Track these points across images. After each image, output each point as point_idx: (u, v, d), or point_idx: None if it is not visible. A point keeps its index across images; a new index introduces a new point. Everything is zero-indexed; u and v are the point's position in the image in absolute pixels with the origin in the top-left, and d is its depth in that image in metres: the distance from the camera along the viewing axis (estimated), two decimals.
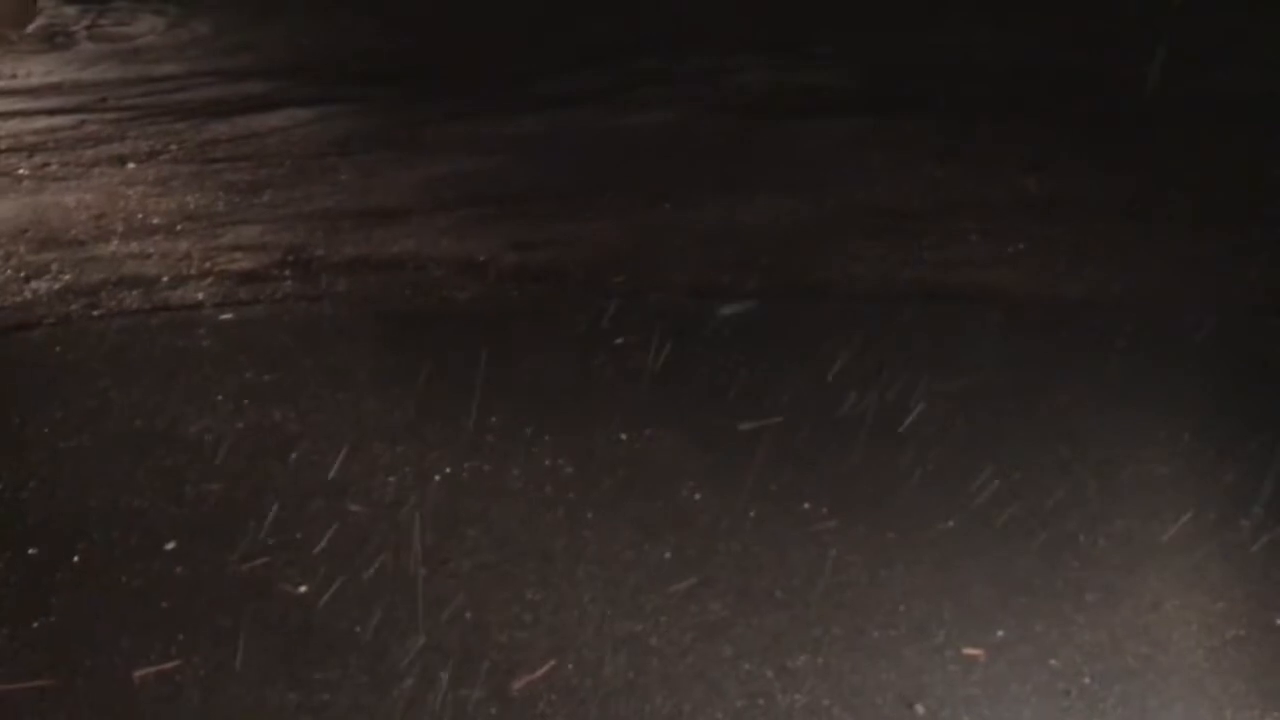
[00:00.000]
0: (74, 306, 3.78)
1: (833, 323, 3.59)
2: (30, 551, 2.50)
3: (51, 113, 6.10)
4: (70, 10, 8.04)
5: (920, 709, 2.08)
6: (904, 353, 3.32)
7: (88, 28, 7.83)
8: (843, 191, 4.72)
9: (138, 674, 2.13)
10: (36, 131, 5.76)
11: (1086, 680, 2.15)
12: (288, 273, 4.04)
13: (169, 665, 2.15)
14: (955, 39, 7.10)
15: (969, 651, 2.21)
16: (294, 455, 2.87)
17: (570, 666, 2.18)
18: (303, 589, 2.38)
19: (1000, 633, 2.26)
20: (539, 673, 2.15)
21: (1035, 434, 2.90)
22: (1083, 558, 2.48)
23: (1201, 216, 4.32)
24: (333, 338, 3.55)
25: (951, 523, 2.60)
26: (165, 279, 3.99)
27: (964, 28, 7.30)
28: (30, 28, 7.80)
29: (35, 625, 2.28)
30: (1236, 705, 2.08)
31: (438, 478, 2.77)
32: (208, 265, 4.11)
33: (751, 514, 2.64)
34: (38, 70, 7.07)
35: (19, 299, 3.84)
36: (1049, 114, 5.64)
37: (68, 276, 4.02)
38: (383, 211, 4.65)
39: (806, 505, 2.67)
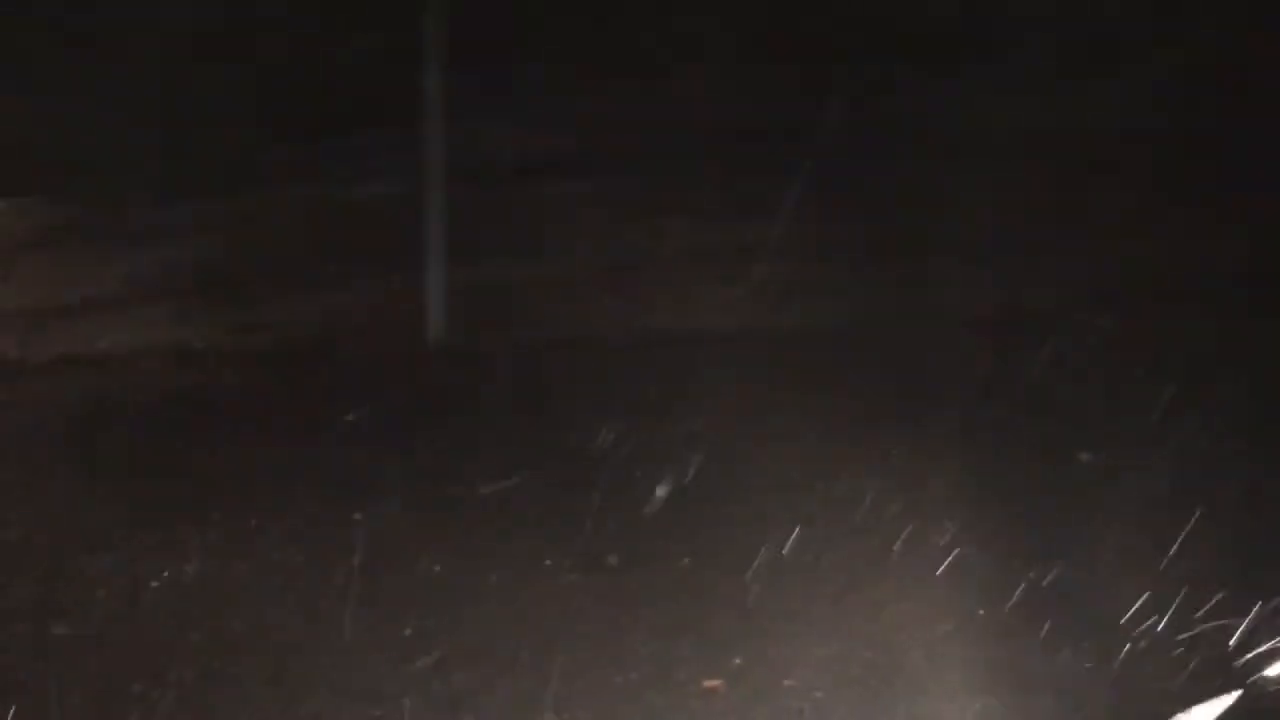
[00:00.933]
0: None
1: (568, 378, 3.64)
2: None
3: None
4: None
5: None
6: (642, 400, 3.41)
7: None
8: (578, 248, 4.81)
9: None
10: None
11: (818, 694, 2.25)
12: None
13: None
14: (677, 94, 7.39)
15: (709, 684, 2.27)
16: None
17: None
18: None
19: (737, 660, 2.34)
20: None
21: (766, 466, 3.03)
22: (808, 577, 2.60)
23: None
24: (34, 443, 3.29)
25: (687, 560, 2.68)
26: None
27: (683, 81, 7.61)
28: None
29: None
30: (950, 698, 2.23)
31: (155, 584, 2.60)
32: None
33: (493, 579, 2.63)
34: None
35: None
36: (770, 163, 5.91)
37: None
38: (90, 304, 4.37)
39: (548, 562, 2.68)
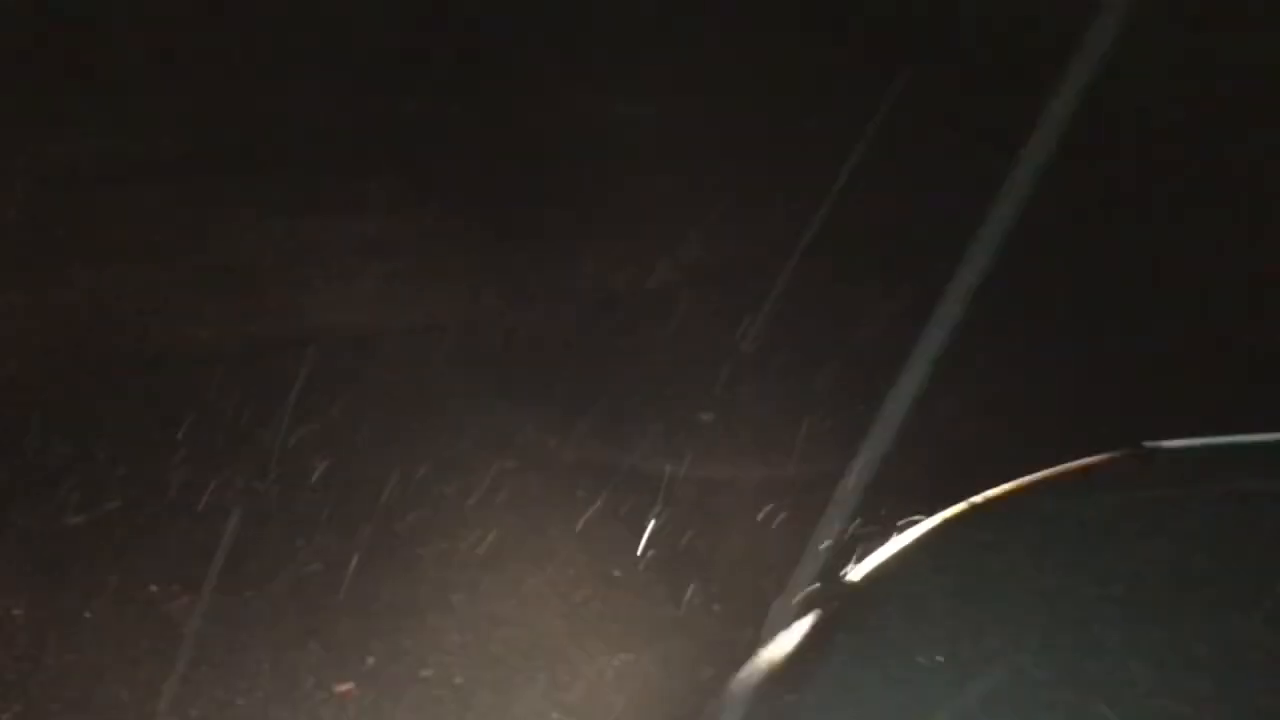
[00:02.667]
0: None
1: (175, 392, 3.33)
2: None
3: None
4: None
5: None
6: (258, 408, 3.17)
7: None
8: (178, 255, 4.44)
9: None
10: None
11: (458, 680, 2.17)
12: None
13: None
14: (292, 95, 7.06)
15: (340, 688, 2.13)
16: None
17: None
18: None
19: (370, 660, 2.21)
20: None
21: (383, 456, 2.90)
22: (444, 565, 2.51)
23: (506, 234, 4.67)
24: None
25: (316, 565, 2.51)
26: None
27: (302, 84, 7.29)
28: None
29: None
30: (590, 659, 2.22)
31: None
32: None
33: (87, 615, 2.33)
34: None
35: None
36: (386, 159, 5.79)
37: None
38: None
39: (154, 588, 2.42)
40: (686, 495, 2.76)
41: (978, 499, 1.15)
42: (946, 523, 1.12)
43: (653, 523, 2.62)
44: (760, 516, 2.67)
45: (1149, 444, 1.27)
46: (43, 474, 2.82)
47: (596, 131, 5.45)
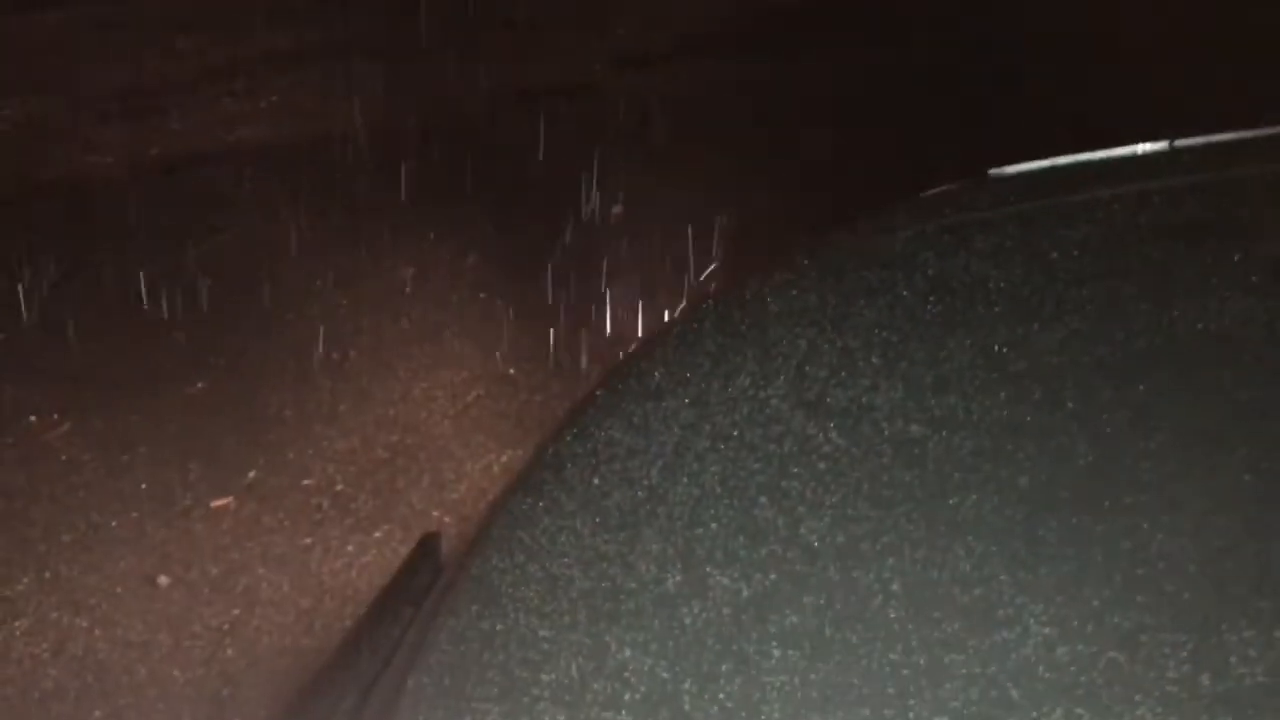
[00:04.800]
0: None
1: (65, 215, 3.19)
2: None
3: None
4: None
5: (164, 579, 1.93)
6: (150, 229, 3.04)
7: None
8: (74, 83, 4.21)
9: None
10: None
11: (340, 487, 2.12)
12: None
13: None
14: None
15: (217, 503, 2.08)
16: None
17: None
18: None
19: (252, 474, 2.16)
20: None
21: (282, 268, 2.79)
22: (335, 373, 2.43)
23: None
24: None
25: (201, 384, 2.43)
26: None
27: None
28: None
29: None
30: (477, 457, 2.16)
31: None
32: None
33: None
34: None
35: None
36: None
37: None
38: None
39: (33, 418, 2.35)
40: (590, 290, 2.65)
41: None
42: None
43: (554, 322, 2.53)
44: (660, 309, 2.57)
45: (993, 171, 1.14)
46: None
47: None
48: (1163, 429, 0.76)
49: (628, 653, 0.73)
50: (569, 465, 0.90)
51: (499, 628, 0.79)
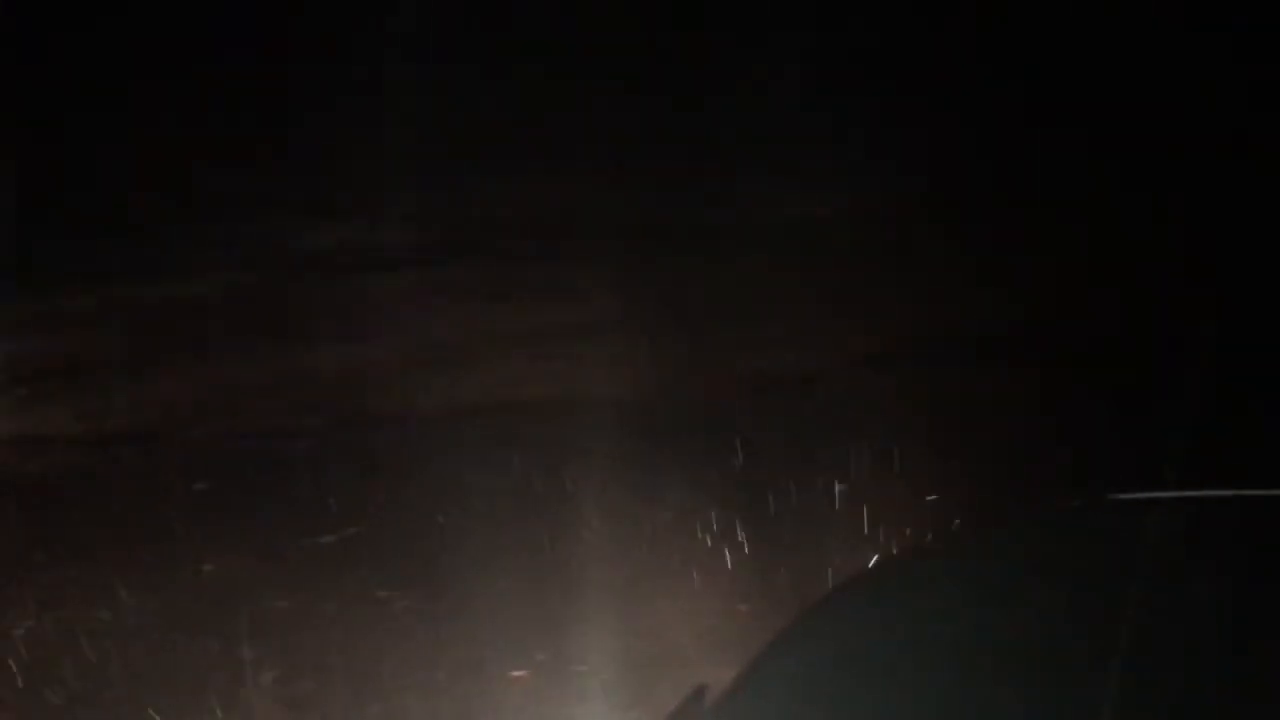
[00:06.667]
0: None
1: (398, 445, 4.05)
2: None
3: None
4: None
5: None
6: (458, 462, 3.84)
7: None
8: (403, 334, 5.26)
9: None
10: None
11: (605, 676, 2.70)
12: None
13: None
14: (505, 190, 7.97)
15: (516, 674, 2.70)
16: None
17: None
18: None
19: (540, 656, 2.78)
20: None
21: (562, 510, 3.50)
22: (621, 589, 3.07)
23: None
24: None
25: (503, 583, 3.12)
26: None
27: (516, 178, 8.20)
28: None
29: None
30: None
31: (21, 632, 2.89)
32: None
33: (329, 609, 3.01)
34: None
35: None
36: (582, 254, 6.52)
37: None
38: None
39: (383, 594, 3.08)
40: None
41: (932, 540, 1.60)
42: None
43: None
44: None
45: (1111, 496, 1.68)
46: (299, 508, 3.57)
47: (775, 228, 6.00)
48: None
49: None
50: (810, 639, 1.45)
51: None
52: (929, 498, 3.35)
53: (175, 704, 2.63)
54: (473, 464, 3.80)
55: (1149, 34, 7.05)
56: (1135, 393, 3.75)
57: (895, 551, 3.00)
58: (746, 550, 3.19)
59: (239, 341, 5.21)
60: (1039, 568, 1.45)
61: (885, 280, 5.30)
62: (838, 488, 3.41)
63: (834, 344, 4.74)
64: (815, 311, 4.98)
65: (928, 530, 3.08)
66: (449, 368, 4.84)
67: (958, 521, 3.07)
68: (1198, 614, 1.26)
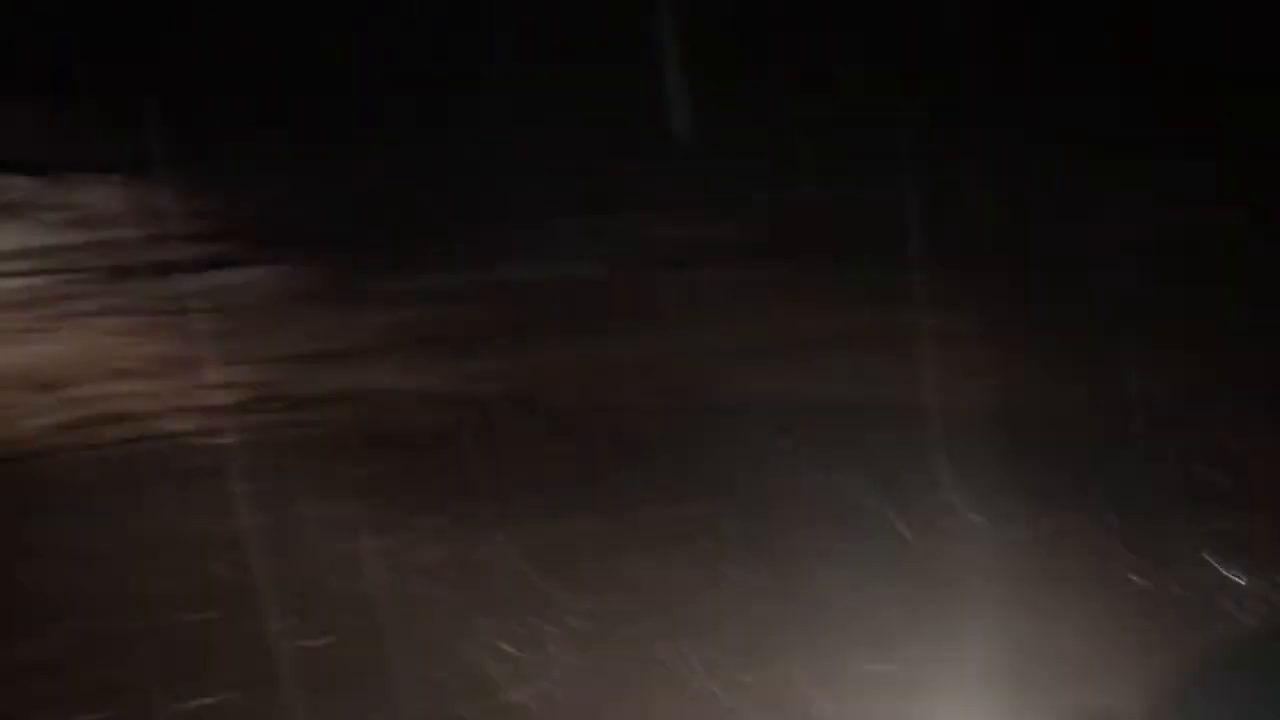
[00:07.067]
0: (70, 439, 4.24)
1: (740, 431, 4.22)
2: (84, 624, 2.95)
3: (27, 274, 6.58)
4: (22, 181, 8.57)
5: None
6: (798, 455, 3.95)
7: (42, 199, 8.36)
8: (743, 326, 5.44)
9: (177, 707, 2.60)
10: (16, 291, 6.24)
11: None
12: (263, 406, 4.56)
13: (209, 700, 2.63)
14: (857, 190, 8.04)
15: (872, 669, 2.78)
16: (294, 547, 3.36)
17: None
18: (321, 642, 2.86)
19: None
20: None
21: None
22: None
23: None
24: (313, 456, 4.06)
25: (860, 576, 3.20)
26: (151, 413, 4.47)
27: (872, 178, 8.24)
28: None
29: (101, 676, 2.73)
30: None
31: (427, 559, 3.29)
32: (188, 401, 4.60)
33: (684, 578, 3.20)
34: (5, 239, 7.56)
35: (26, 431, 4.29)
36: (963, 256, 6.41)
37: (61, 415, 4.48)
38: (341, 353, 5.22)
39: (734, 573, 3.23)
40: None
41: None
42: None
43: None
44: None
45: None
46: (661, 480, 3.79)
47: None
48: None
49: None
50: None
51: None
52: None
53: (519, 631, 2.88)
54: (816, 459, 3.90)
55: None
56: None
57: None
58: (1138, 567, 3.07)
59: (594, 322, 5.60)
60: None
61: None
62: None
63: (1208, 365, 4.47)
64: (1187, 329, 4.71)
65: None
66: (789, 361, 4.96)
67: None
68: None
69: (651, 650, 2.85)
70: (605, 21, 9.47)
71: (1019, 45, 8.33)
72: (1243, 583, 2.98)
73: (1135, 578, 3.04)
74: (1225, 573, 3.03)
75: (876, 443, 4.04)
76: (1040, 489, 3.51)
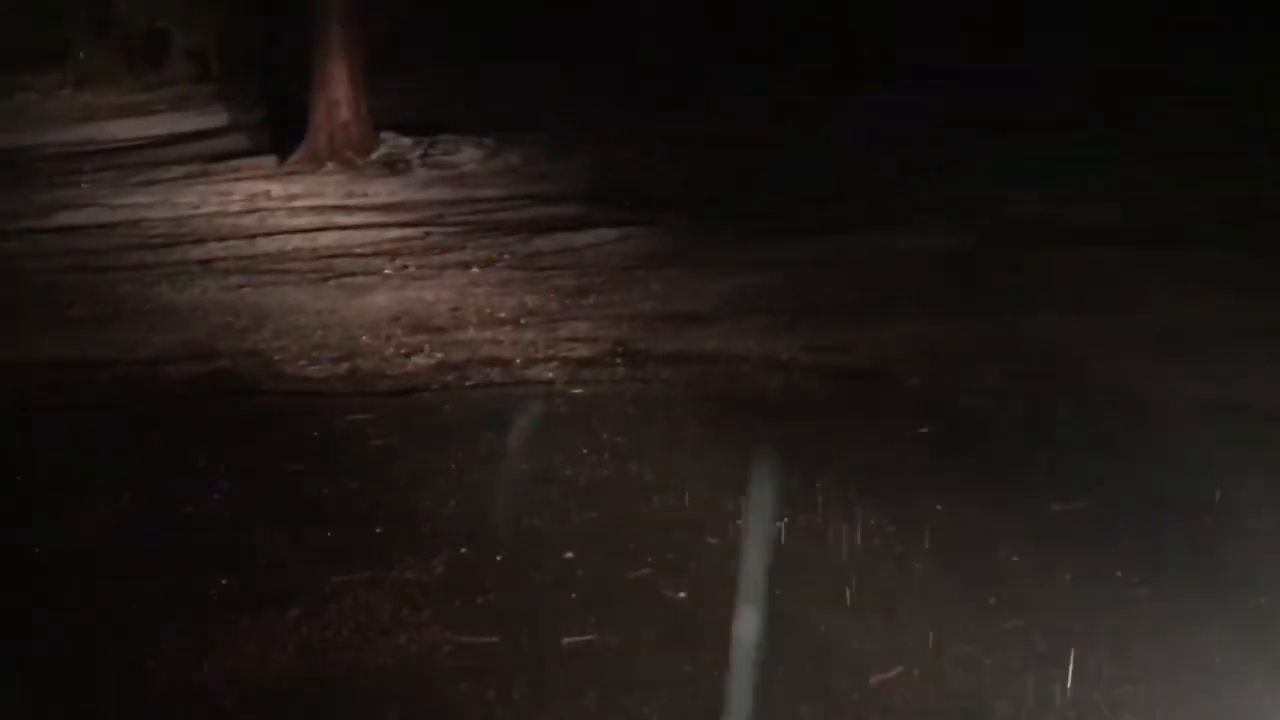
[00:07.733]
0: (449, 377, 4.51)
1: (1122, 424, 3.86)
2: (463, 550, 3.11)
3: (400, 225, 7.14)
4: (406, 141, 9.29)
5: None
6: (1195, 454, 3.56)
7: (421, 156, 9.03)
8: (1120, 313, 5.00)
9: (565, 640, 2.66)
10: (391, 240, 6.78)
11: None
12: (619, 360, 4.66)
13: (586, 638, 2.67)
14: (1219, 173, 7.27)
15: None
16: (655, 498, 3.40)
17: (915, 674, 2.56)
18: (681, 595, 2.86)
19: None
20: (890, 674, 2.54)
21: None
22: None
23: None
24: (666, 411, 4.10)
25: (1262, 599, 2.83)
26: (518, 360, 4.69)
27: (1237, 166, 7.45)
28: (374, 156, 9.10)
29: (479, 601, 2.86)
30: None
31: (777, 525, 3.22)
32: (551, 352, 4.79)
33: (1066, 577, 2.95)
34: (383, 191, 8.26)
35: (405, 369, 4.62)
36: None
37: (439, 355, 4.78)
38: (690, 315, 5.25)
39: (1119, 573, 2.95)
40: None
41: None
42: None
43: None
44: None
45: None
46: (1021, 469, 3.53)
47: None
48: None
49: None
50: None
51: None
52: None
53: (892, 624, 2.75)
54: (1209, 458, 3.50)
55: None
56: None
57: None
58: None
59: (949, 298, 5.33)
60: None
61: None
62: None
63: None
64: None
65: None
66: (1167, 355, 4.50)
67: None
68: None
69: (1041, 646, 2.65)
70: None
71: None
72: None
73: None
74: None
75: None
76: None
